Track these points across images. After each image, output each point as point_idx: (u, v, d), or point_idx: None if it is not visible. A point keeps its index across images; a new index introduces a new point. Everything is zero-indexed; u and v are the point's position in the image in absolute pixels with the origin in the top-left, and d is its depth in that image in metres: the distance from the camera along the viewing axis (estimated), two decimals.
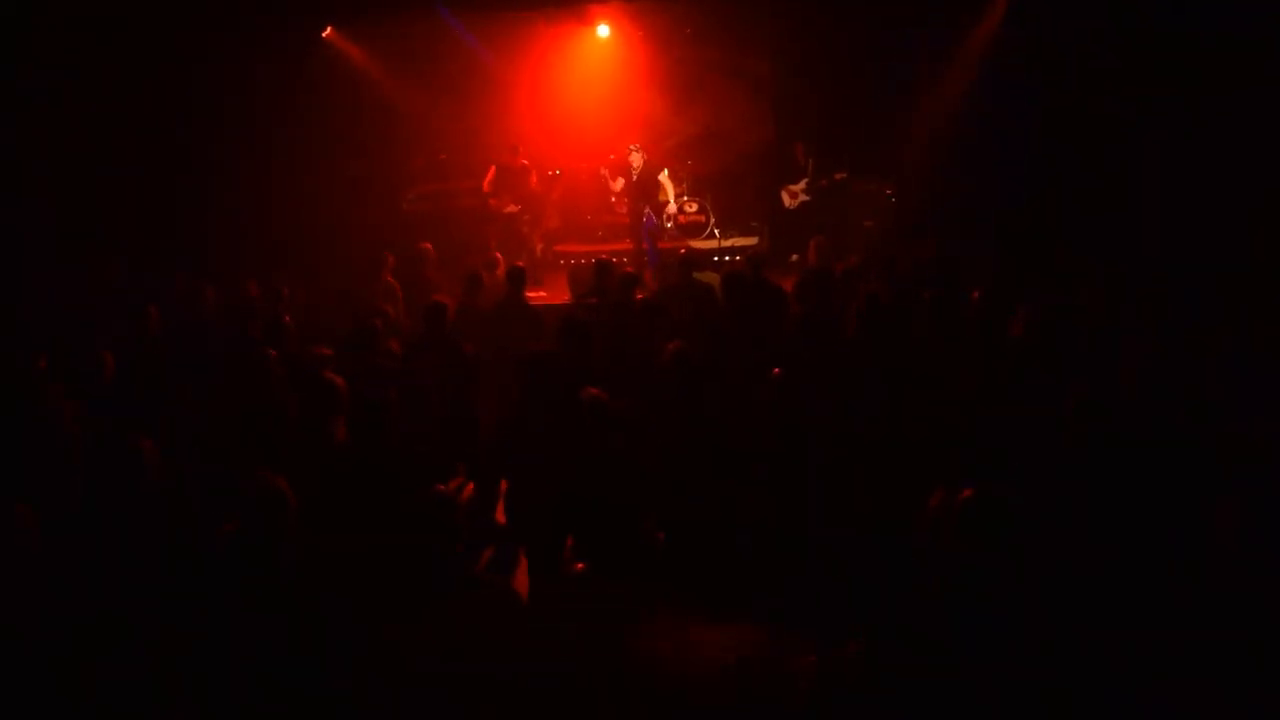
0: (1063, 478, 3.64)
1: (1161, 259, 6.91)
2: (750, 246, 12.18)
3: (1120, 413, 3.98)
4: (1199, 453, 3.69)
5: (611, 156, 13.12)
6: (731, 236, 12.55)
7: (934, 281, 6.67)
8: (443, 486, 4.25)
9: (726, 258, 11.71)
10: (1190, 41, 8.45)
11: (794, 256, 11.03)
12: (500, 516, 4.83)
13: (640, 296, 7.20)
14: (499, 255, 9.55)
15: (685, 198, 12.17)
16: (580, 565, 3.88)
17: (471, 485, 5.07)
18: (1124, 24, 9.05)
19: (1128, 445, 3.71)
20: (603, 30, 12.80)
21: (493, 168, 11.41)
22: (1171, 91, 8.75)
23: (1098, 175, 9.42)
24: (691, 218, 12.49)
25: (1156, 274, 6.38)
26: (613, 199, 13.16)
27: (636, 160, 10.97)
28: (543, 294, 10.31)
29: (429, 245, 9.09)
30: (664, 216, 11.54)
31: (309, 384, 4.86)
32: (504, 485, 4.82)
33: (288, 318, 6.39)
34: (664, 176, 11.08)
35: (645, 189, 10.85)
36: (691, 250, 11.56)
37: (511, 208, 11.34)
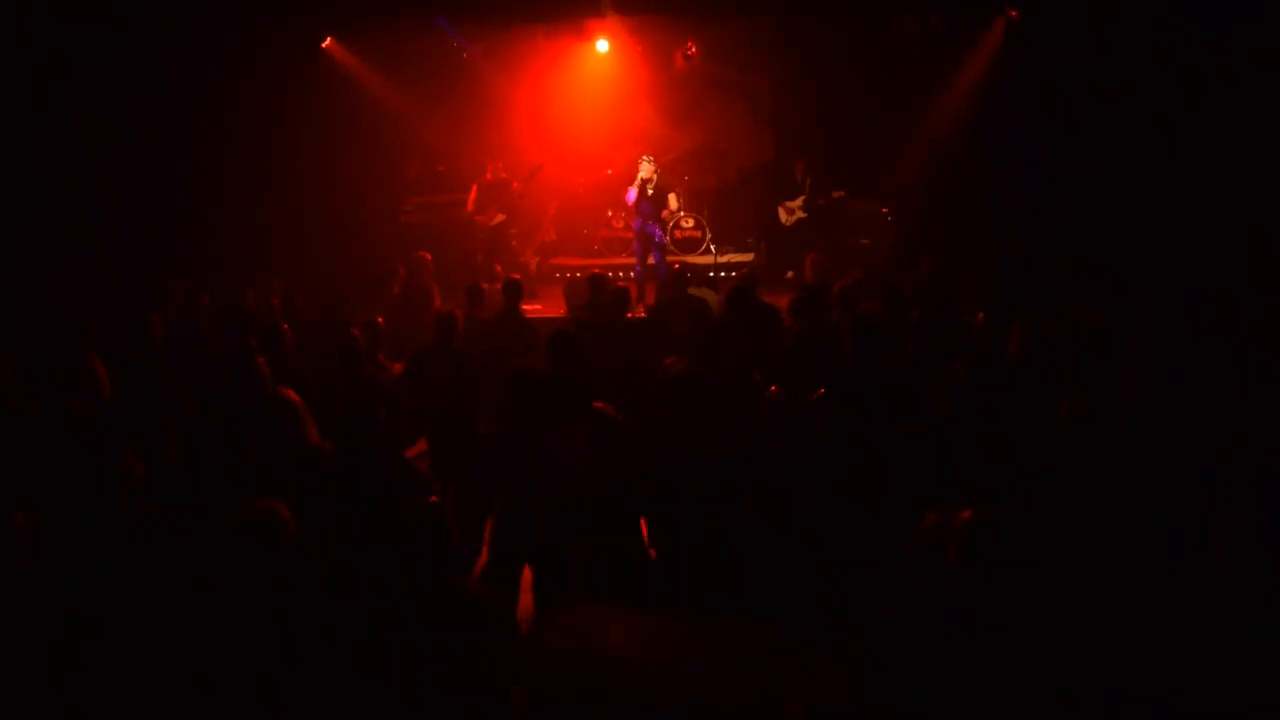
0: (1056, 493, 3.64)
1: (1159, 276, 6.94)
2: (746, 262, 12.23)
3: (1115, 428, 3.99)
4: (1195, 466, 3.69)
5: (609, 171, 13.16)
6: (727, 252, 12.57)
7: (930, 301, 6.68)
8: (435, 498, 4.26)
9: (722, 274, 11.75)
10: (1188, 65, 8.51)
11: (789, 273, 11.08)
12: (493, 528, 4.82)
13: (639, 312, 7.16)
14: (499, 268, 9.57)
15: (682, 213, 12.18)
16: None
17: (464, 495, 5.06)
18: (1121, 48, 9.12)
19: (1122, 459, 3.73)
20: (602, 45, 12.87)
21: (474, 187, 11.42)
22: (1169, 114, 8.82)
23: (1094, 196, 9.48)
24: (688, 233, 12.49)
25: (1153, 292, 6.41)
26: (609, 213, 13.20)
27: (647, 170, 10.47)
28: (538, 307, 10.33)
29: (428, 255, 9.09)
30: (666, 231, 11.48)
31: (266, 398, 4.81)
32: (498, 496, 4.81)
33: (286, 326, 6.36)
34: (673, 196, 10.99)
35: (658, 202, 10.70)
36: (687, 265, 11.57)
37: (499, 217, 11.29)
